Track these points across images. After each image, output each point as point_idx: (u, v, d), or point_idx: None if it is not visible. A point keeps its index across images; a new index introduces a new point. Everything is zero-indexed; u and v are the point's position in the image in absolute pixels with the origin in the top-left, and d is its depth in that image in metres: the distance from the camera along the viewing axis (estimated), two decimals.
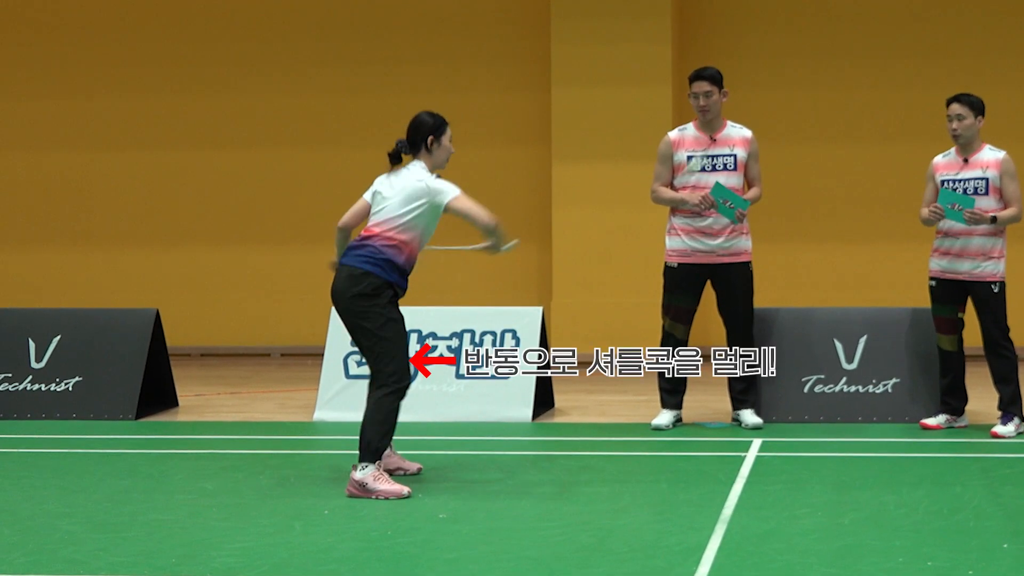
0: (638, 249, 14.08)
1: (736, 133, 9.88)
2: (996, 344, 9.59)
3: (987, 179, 9.51)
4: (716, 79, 9.81)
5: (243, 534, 6.81)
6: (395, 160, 8.02)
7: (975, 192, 9.50)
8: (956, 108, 9.54)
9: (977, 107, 9.53)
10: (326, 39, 15.20)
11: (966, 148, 9.59)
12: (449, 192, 7.82)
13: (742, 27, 14.73)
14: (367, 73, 15.13)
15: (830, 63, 14.66)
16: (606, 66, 14.31)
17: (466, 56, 15.01)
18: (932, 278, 9.71)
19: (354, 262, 7.83)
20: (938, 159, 9.76)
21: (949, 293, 9.65)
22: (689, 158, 9.82)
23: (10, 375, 10.85)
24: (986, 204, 9.47)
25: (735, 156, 9.81)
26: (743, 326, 9.94)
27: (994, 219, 9.42)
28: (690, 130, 9.92)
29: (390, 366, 7.78)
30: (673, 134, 9.97)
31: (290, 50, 15.24)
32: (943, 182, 9.62)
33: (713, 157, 9.81)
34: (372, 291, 7.78)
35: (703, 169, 9.81)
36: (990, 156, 9.56)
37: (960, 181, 9.56)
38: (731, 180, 9.77)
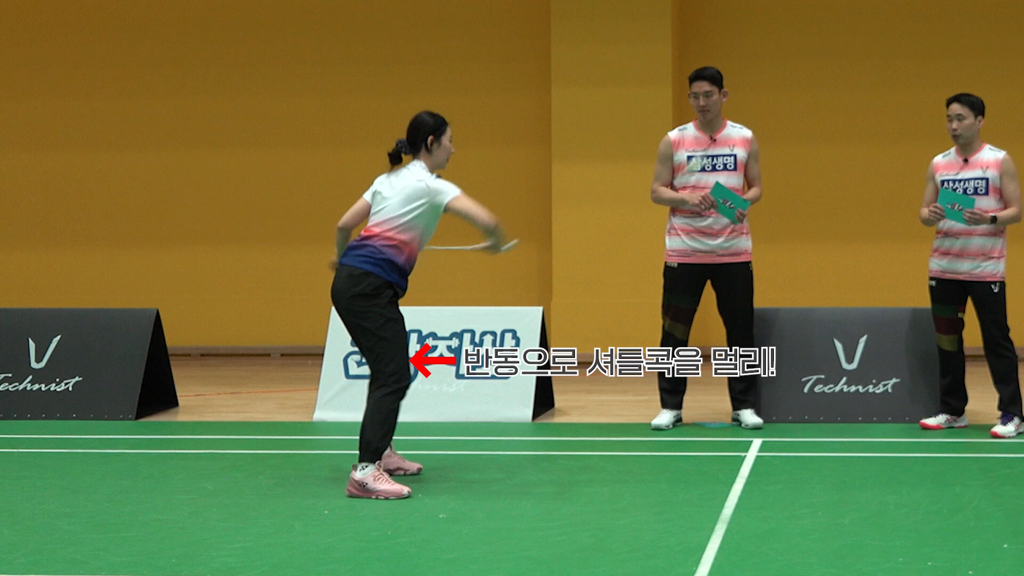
0: (638, 249, 14.09)
1: (736, 133, 9.88)
2: (996, 344, 9.59)
3: (987, 179, 9.51)
4: (716, 79, 9.81)
5: (243, 534, 6.81)
6: (395, 160, 8.01)
7: (975, 192, 9.50)
8: (956, 108, 9.54)
9: (977, 107, 9.54)
10: (326, 39, 15.20)
11: (966, 148, 9.59)
12: (449, 192, 7.82)
13: (742, 27, 14.73)
14: (367, 73, 15.13)
15: (830, 63, 14.67)
16: (606, 66, 14.32)
17: (466, 56, 15.01)
18: (932, 278, 9.71)
19: (354, 262, 7.83)
20: (938, 159, 9.76)
21: (949, 293, 9.65)
22: (689, 158, 9.82)
23: (10, 375, 10.85)
24: (986, 204, 9.47)
25: (735, 156, 9.81)
26: (743, 326, 9.94)
27: (994, 219, 9.42)
28: (690, 130, 9.92)
29: (390, 366, 7.78)
30: (673, 134, 9.96)
31: (290, 50, 15.25)
32: (943, 182, 9.62)
33: (713, 157, 9.81)
34: (372, 291, 7.78)
35: (703, 169, 9.81)
36: (990, 156, 9.56)
37: (960, 181, 9.56)
38: (731, 180, 9.77)
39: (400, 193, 7.87)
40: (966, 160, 9.58)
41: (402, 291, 7.91)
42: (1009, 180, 9.52)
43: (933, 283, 9.71)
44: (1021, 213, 9.51)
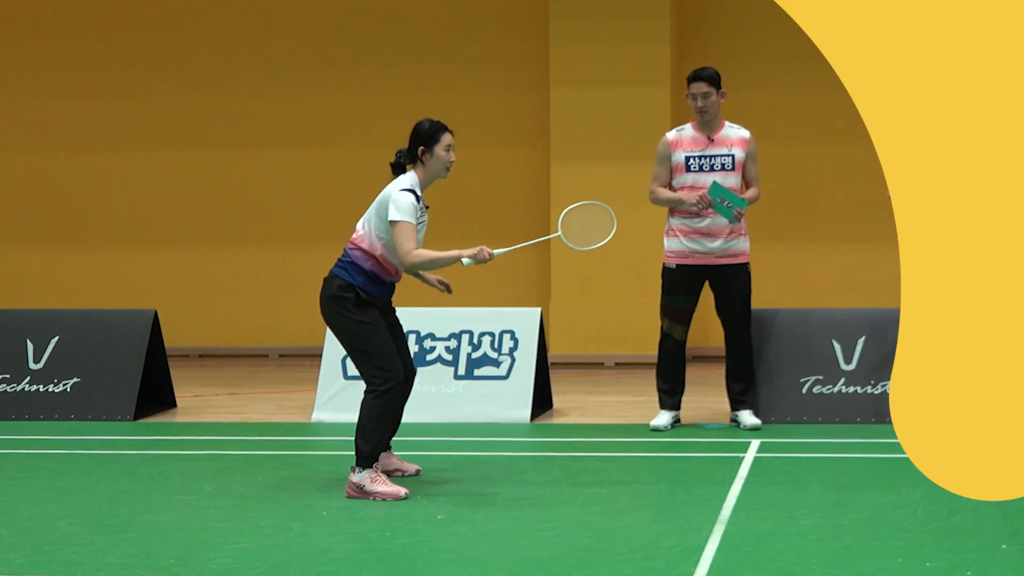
0: (637, 250, 14.07)
1: (734, 133, 9.88)
2: None
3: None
4: (714, 80, 9.80)
5: (241, 535, 6.81)
6: (397, 170, 7.93)
7: None
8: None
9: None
10: (326, 39, 15.19)
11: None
12: (394, 215, 7.67)
13: (741, 28, 14.72)
14: (367, 73, 15.12)
15: (829, 63, 14.63)
16: (605, 67, 14.31)
17: (466, 57, 15.00)
18: None
19: (332, 268, 7.89)
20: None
21: None
22: (687, 159, 9.82)
23: (8, 376, 10.84)
24: None
25: (733, 156, 9.81)
26: (741, 327, 9.94)
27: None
28: (688, 130, 9.91)
29: (373, 371, 7.74)
30: (671, 134, 9.96)
31: (290, 50, 15.24)
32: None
33: (711, 157, 9.81)
34: (338, 292, 7.77)
35: (701, 169, 9.81)
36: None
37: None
38: (729, 180, 9.77)
39: (374, 204, 7.87)
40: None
41: (369, 296, 7.79)
42: None
43: None
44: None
